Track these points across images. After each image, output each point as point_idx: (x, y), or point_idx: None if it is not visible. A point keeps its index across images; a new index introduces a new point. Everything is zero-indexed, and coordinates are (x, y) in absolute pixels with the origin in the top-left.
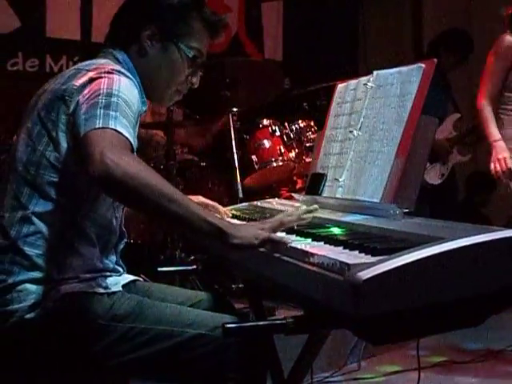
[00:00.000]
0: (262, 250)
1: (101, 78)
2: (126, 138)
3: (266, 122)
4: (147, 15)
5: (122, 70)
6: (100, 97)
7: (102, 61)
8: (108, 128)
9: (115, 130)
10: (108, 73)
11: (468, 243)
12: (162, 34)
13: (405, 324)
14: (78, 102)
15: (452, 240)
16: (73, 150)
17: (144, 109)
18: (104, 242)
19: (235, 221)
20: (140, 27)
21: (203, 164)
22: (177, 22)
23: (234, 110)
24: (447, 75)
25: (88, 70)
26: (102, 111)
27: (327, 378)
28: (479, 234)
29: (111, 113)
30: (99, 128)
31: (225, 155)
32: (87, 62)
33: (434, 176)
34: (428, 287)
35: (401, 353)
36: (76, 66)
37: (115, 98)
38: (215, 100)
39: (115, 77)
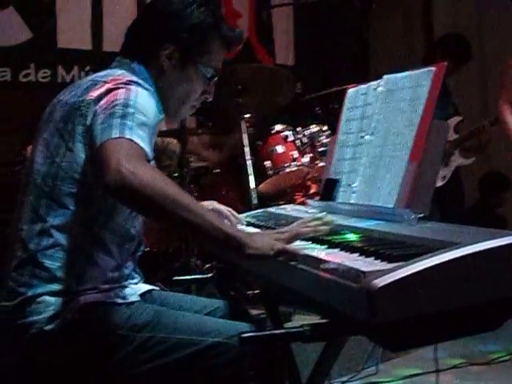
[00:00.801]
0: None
1: (118, 88)
2: (142, 148)
3: (278, 127)
4: (168, 34)
5: (140, 81)
6: (117, 107)
7: (119, 72)
8: (124, 138)
9: (131, 140)
10: (125, 84)
11: (483, 248)
12: (182, 54)
13: (422, 330)
14: (95, 112)
15: (467, 245)
16: (90, 161)
17: (161, 117)
18: (122, 251)
19: (250, 228)
20: (159, 44)
21: (217, 171)
22: (196, 43)
23: (247, 116)
24: (446, 79)
25: (105, 82)
26: (118, 121)
27: (345, 382)
28: (494, 238)
29: (128, 122)
30: (115, 138)
31: (238, 162)
32: (103, 73)
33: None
34: (444, 293)
35: (419, 356)
36: (92, 77)
37: (132, 109)
38: (228, 107)
39: (133, 88)
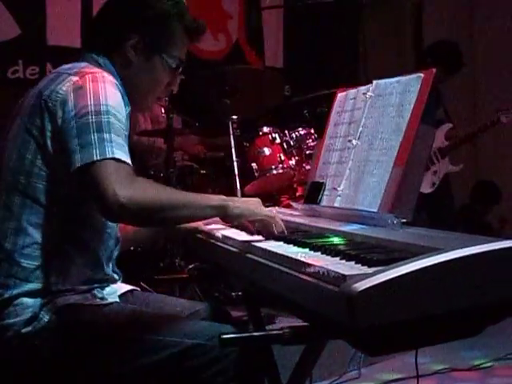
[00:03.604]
0: (257, 258)
1: (85, 85)
2: (125, 162)
3: (266, 129)
4: (132, 24)
5: (104, 74)
6: (90, 116)
7: (82, 64)
8: (107, 159)
9: (114, 159)
10: (92, 79)
11: (465, 254)
12: (146, 45)
13: (402, 335)
14: (65, 115)
15: (449, 251)
16: (60, 157)
17: (128, 109)
18: (101, 249)
19: (233, 230)
20: (124, 36)
21: (203, 171)
22: (161, 33)
23: (234, 117)
24: (438, 86)
25: (69, 74)
26: (95, 136)
27: None
28: (477, 244)
29: (105, 136)
30: (99, 161)
31: (225, 163)
32: (68, 66)
33: (425, 185)
34: (425, 298)
35: (401, 360)
36: (56, 70)
37: (105, 116)
38: (215, 108)
39: (100, 84)
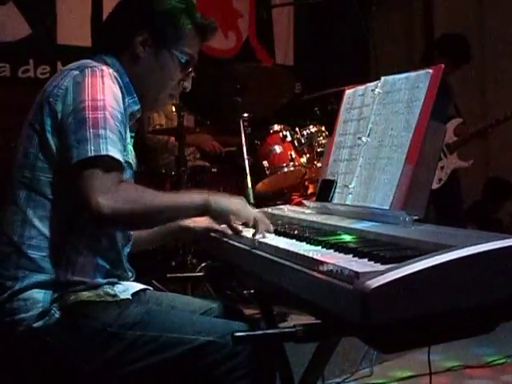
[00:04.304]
0: (270, 256)
1: (83, 80)
2: (117, 160)
3: (277, 127)
4: (140, 21)
5: (103, 67)
6: (86, 111)
7: (87, 60)
8: (100, 156)
9: (106, 156)
10: (91, 74)
11: (478, 251)
12: (155, 40)
13: (414, 332)
14: (64, 110)
15: (462, 248)
16: (61, 151)
17: (136, 108)
18: (108, 238)
19: (246, 228)
20: (132, 33)
21: (214, 170)
22: (169, 28)
23: (245, 115)
24: (448, 81)
25: (71, 69)
26: (91, 132)
27: (339, 383)
28: (489, 241)
29: (101, 131)
30: (92, 157)
31: (236, 161)
32: (73, 63)
33: None
34: (438, 295)
35: (413, 358)
36: (63, 68)
37: (101, 112)
38: (226, 106)
39: (98, 79)
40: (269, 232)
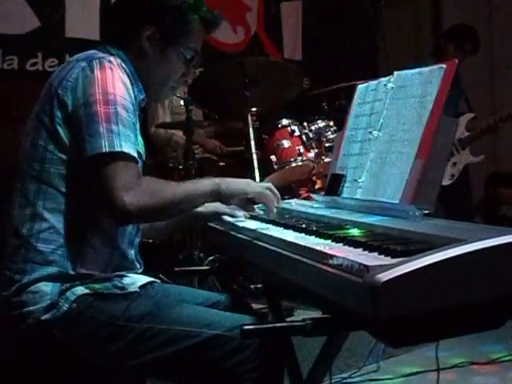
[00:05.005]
0: (279, 250)
1: (92, 72)
2: (132, 157)
3: (285, 121)
4: (147, 16)
5: (111, 58)
6: (98, 105)
7: (93, 51)
8: (114, 152)
9: (122, 154)
10: (100, 66)
11: (489, 245)
12: (162, 36)
13: (424, 326)
14: (74, 103)
15: (472, 242)
16: (72, 143)
17: (142, 97)
18: (118, 230)
19: (253, 221)
20: (140, 27)
21: (222, 164)
22: (177, 24)
23: (254, 109)
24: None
25: (78, 60)
26: (104, 127)
27: (346, 378)
28: (500, 235)
29: (113, 127)
30: (107, 154)
31: (244, 155)
32: (79, 54)
33: (444, 177)
34: (448, 289)
35: (420, 354)
36: (70, 59)
37: (113, 107)
38: (234, 100)
39: (107, 71)
40: (278, 206)
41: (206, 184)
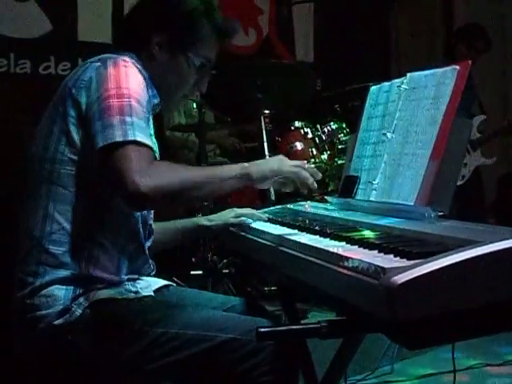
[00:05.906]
0: (294, 252)
1: (106, 70)
2: (147, 145)
3: (298, 124)
4: (158, 22)
5: (126, 58)
6: (112, 99)
7: (107, 54)
8: (128, 141)
9: (135, 142)
10: (114, 64)
11: (505, 246)
12: (172, 42)
13: (441, 328)
14: (88, 99)
15: (488, 243)
16: (85, 143)
17: (156, 101)
18: (129, 232)
19: (268, 224)
20: (150, 33)
21: None
22: (187, 31)
23: (266, 112)
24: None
25: (92, 62)
26: (117, 119)
27: (360, 380)
28: None
29: (127, 119)
30: (120, 143)
31: (257, 157)
32: (92, 58)
33: None
34: (464, 291)
35: (434, 355)
36: (84, 62)
37: (127, 100)
38: (247, 102)
39: (121, 68)
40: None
41: (234, 168)
